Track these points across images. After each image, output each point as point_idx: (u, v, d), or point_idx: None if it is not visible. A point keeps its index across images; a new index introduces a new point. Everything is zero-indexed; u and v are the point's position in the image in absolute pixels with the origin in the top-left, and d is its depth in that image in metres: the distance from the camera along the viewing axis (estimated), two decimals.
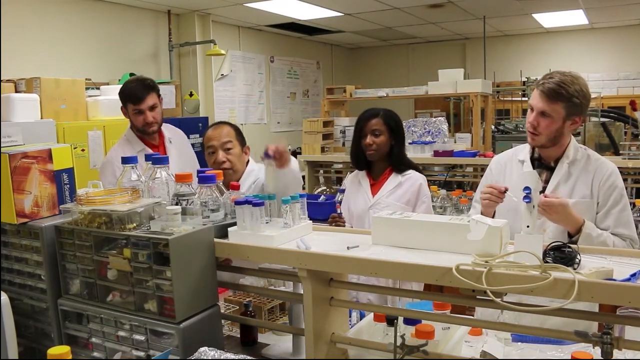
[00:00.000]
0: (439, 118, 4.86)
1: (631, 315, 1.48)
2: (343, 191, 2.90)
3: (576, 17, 7.55)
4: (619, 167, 2.05)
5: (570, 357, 1.27)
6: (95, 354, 1.62)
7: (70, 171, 1.75)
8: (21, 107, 3.75)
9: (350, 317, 1.85)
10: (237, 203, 1.64)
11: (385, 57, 9.97)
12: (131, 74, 5.10)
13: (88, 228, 1.57)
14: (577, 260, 1.33)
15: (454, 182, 4.96)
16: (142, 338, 1.51)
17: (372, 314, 1.71)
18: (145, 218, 1.58)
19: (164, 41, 6.27)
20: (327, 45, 9.55)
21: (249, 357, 1.34)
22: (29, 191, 1.64)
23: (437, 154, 4.50)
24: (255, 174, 2.50)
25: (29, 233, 1.68)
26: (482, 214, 1.88)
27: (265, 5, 6.26)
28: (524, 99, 6.81)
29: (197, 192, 1.69)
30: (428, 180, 2.75)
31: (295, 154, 5.21)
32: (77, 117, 4.23)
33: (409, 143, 4.55)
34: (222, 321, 1.80)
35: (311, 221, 1.78)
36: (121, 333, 1.56)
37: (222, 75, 7.04)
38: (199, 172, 1.75)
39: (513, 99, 7.21)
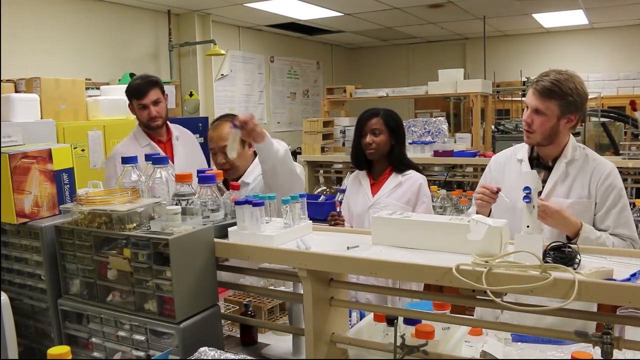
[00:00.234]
0: (439, 118, 4.86)
1: (631, 315, 1.48)
2: (343, 191, 2.90)
3: (576, 17, 7.55)
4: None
5: (570, 357, 1.27)
6: (95, 354, 1.62)
7: (70, 171, 1.75)
8: (21, 107, 3.75)
9: (350, 317, 1.85)
10: (237, 203, 1.64)
11: (385, 57, 9.97)
12: (131, 74, 5.10)
13: (88, 228, 1.57)
14: (577, 260, 1.33)
15: (454, 182, 4.96)
16: (142, 338, 1.51)
17: (372, 314, 1.71)
18: (145, 218, 1.58)
19: (164, 41, 6.27)
20: (327, 45, 9.55)
21: (249, 357, 1.34)
22: (29, 191, 1.64)
23: (437, 154, 4.51)
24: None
25: (29, 233, 1.68)
26: (477, 214, 1.88)
27: (265, 5, 6.26)
28: (523, 99, 6.77)
29: (197, 192, 1.69)
30: (428, 180, 2.75)
31: (295, 154, 5.22)
32: (77, 117, 4.23)
33: (409, 143, 4.56)
34: (222, 321, 1.80)
35: (311, 221, 1.78)
36: (121, 333, 1.56)
37: (222, 75, 7.04)
38: (199, 172, 1.75)
39: (513, 99, 7.22)
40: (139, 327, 1.52)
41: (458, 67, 5.34)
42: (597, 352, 1.26)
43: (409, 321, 1.55)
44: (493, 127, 5.58)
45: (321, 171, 5.11)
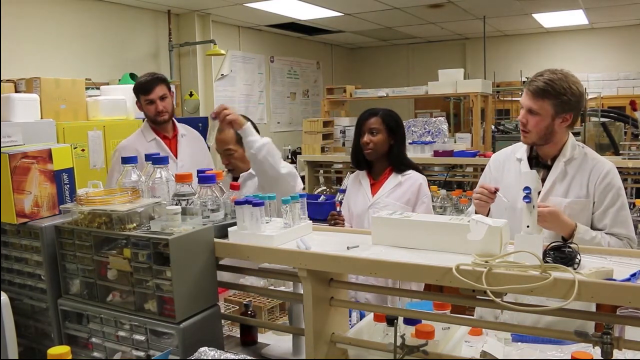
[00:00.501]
0: (439, 118, 4.86)
1: (631, 315, 1.48)
2: (343, 191, 2.89)
3: (576, 17, 7.55)
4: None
5: (570, 357, 1.27)
6: (95, 354, 1.62)
7: (70, 171, 1.75)
8: (21, 107, 3.75)
9: (350, 317, 1.85)
10: (237, 203, 1.64)
11: (385, 57, 9.97)
12: (131, 74, 5.10)
13: (88, 228, 1.57)
14: (577, 260, 1.33)
15: (454, 182, 4.96)
16: (142, 338, 1.51)
17: (372, 314, 1.71)
18: (145, 218, 1.58)
19: (164, 41, 6.27)
20: (327, 45, 9.55)
21: (249, 357, 1.34)
22: (29, 191, 1.64)
23: (437, 154, 4.50)
24: None
25: (29, 233, 1.68)
26: (475, 213, 1.88)
27: (265, 5, 6.26)
28: None
29: (197, 192, 1.69)
30: (428, 180, 2.75)
31: (295, 154, 5.22)
32: (77, 117, 4.23)
33: (409, 143, 4.55)
34: (222, 321, 1.80)
35: (311, 221, 1.78)
36: (121, 333, 1.56)
37: (222, 75, 7.04)
38: (199, 172, 1.75)
39: (513, 99, 7.21)
40: (139, 327, 1.52)
41: (458, 67, 5.33)
42: (597, 352, 1.27)
43: (409, 321, 1.55)
44: (493, 127, 5.58)
45: (321, 171, 5.11)
